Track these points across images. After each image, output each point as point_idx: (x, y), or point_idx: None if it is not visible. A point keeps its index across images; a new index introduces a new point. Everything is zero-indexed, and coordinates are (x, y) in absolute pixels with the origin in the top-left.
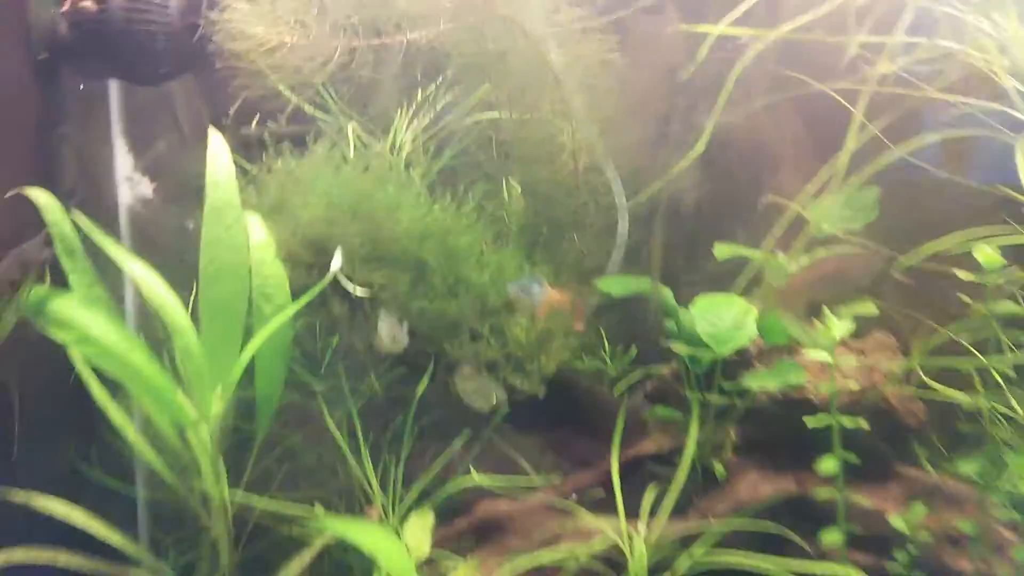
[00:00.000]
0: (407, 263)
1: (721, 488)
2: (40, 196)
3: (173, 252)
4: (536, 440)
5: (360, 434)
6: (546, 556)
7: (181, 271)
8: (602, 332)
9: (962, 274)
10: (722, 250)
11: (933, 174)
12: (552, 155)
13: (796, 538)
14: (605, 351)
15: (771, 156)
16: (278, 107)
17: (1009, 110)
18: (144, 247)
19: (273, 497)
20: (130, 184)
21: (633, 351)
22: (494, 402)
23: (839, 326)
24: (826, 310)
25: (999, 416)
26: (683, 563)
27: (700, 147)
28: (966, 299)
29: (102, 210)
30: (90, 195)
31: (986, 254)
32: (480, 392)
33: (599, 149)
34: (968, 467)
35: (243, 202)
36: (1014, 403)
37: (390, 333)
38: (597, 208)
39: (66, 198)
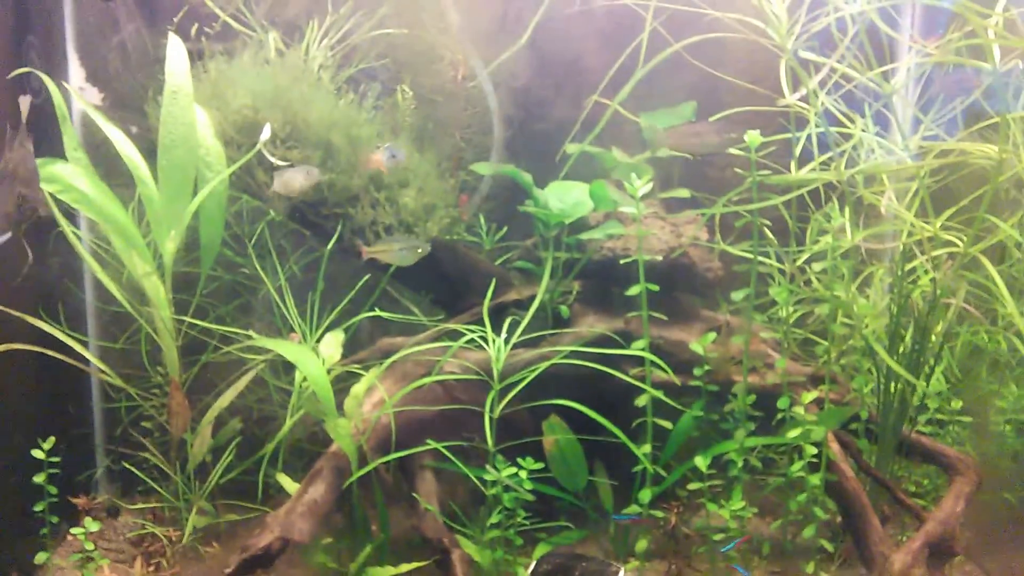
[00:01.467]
0: (318, 145)
1: (566, 326)
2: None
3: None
4: (426, 293)
5: (283, 279)
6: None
7: (125, 169)
8: (480, 216)
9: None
10: (572, 148)
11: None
12: (435, 66)
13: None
14: (482, 228)
15: (582, 51)
16: (211, 20)
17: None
18: (93, 149)
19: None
20: (81, 92)
21: (505, 229)
22: (420, 253)
23: (637, 184)
24: (632, 176)
25: (764, 261)
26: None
27: (523, 39)
28: (740, 171)
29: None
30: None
31: (751, 136)
32: (407, 251)
33: (475, 60)
34: (737, 296)
35: None
36: (771, 254)
37: (283, 180)
38: (475, 110)
39: (35, 95)
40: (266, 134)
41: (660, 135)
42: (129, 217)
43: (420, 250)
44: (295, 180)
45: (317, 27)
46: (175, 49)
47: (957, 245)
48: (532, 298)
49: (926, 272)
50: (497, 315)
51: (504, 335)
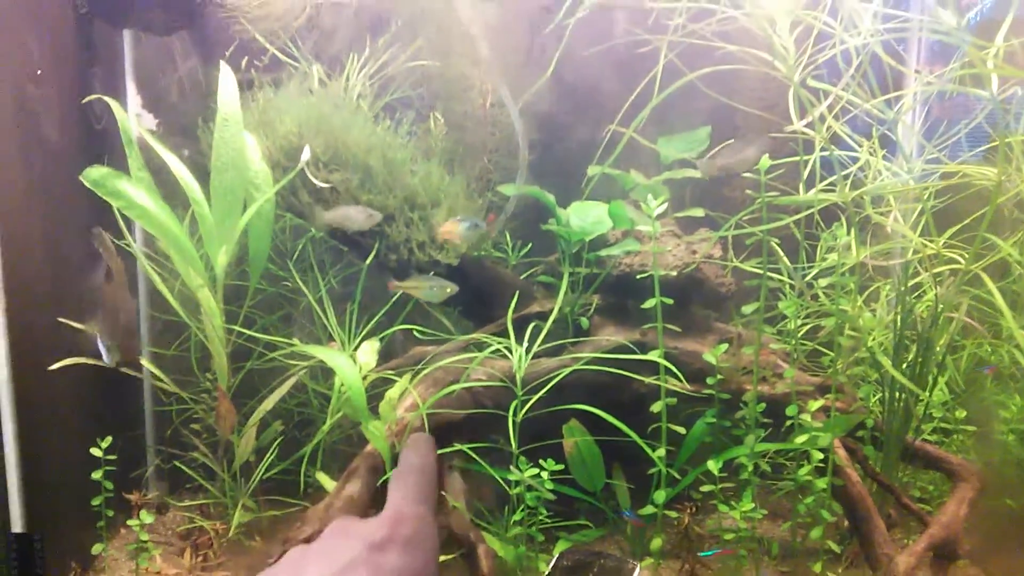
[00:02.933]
0: (357, 167)
1: (586, 337)
2: (111, 103)
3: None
4: (454, 307)
5: (324, 291)
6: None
7: (179, 189)
8: (507, 233)
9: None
10: (594, 169)
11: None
12: (466, 94)
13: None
14: (508, 245)
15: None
16: (260, 53)
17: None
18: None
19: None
20: (138, 118)
21: (530, 245)
22: (448, 292)
23: (653, 204)
24: (649, 197)
25: (773, 276)
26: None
27: (548, 72)
28: (751, 192)
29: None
30: (111, 122)
31: (762, 159)
32: (436, 289)
33: (503, 89)
34: (747, 309)
35: None
36: (783, 270)
37: (342, 214)
38: (502, 135)
39: (97, 120)
40: (306, 155)
41: (708, 164)
42: (185, 233)
43: (449, 290)
44: (356, 217)
45: (356, 59)
46: (226, 79)
47: (959, 262)
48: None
49: (929, 288)
50: (522, 326)
51: (525, 344)
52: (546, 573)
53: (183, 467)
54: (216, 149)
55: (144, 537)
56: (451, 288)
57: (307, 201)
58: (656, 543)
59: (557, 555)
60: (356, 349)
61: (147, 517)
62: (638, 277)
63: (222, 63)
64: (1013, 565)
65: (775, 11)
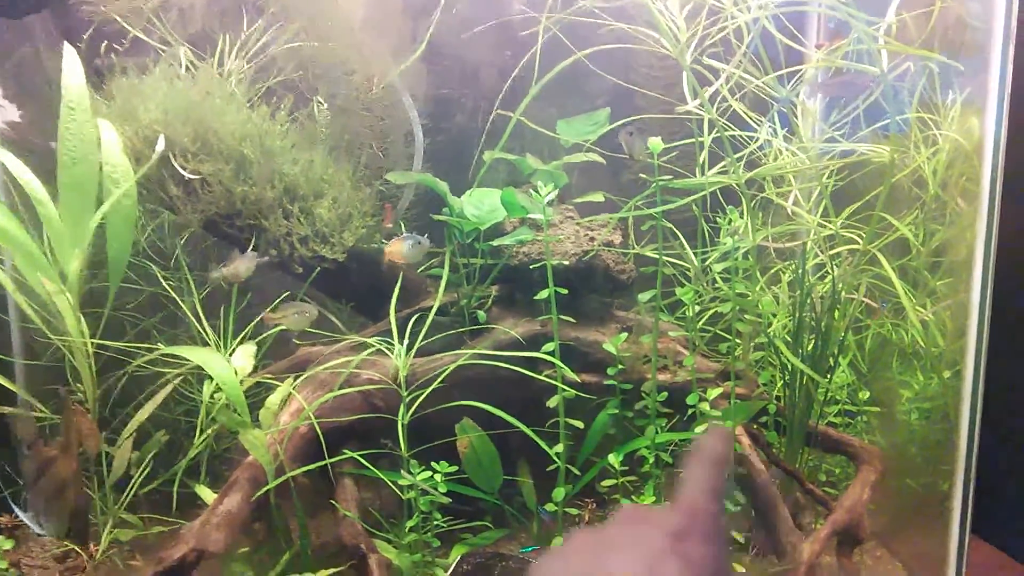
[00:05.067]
0: (231, 157)
1: (485, 330)
2: None
3: (38, 170)
4: (346, 303)
5: (196, 292)
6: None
7: (47, 185)
8: (402, 224)
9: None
10: (490, 154)
11: None
12: (349, 79)
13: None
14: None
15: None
16: (121, 37)
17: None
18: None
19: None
20: (1, 110)
21: (426, 236)
22: (312, 316)
23: (544, 191)
24: (538, 184)
25: (669, 260)
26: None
27: (419, 51)
28: (644, 176)
29: None
30: None
31: (653, 143)
32: (299, 313)
33: (393, 75)
34: (644, 297)
35: (96, 111)
36: (683, 255)
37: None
38: (391, 121)
39: None
40: (161, 145)
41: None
42: (29, 236)
43: (308, 314)
44: (243, 265)
45: (229, 41)
46: (71, 63)
47: (858, 242)
48: (450, 304)
49: (827, 270)
50: (417, 322)
51: (407, 341)
52: None
53: None
54: (62, 141)
55: (3, 565)
56: (311, 312)
57: (176, 194)
58: (558, 541)
59: (456, 559)
60: (231, 353)
61: (6, 543)
62: (531, 267)
63: (66, 45)
64: (919, 544)
65: None
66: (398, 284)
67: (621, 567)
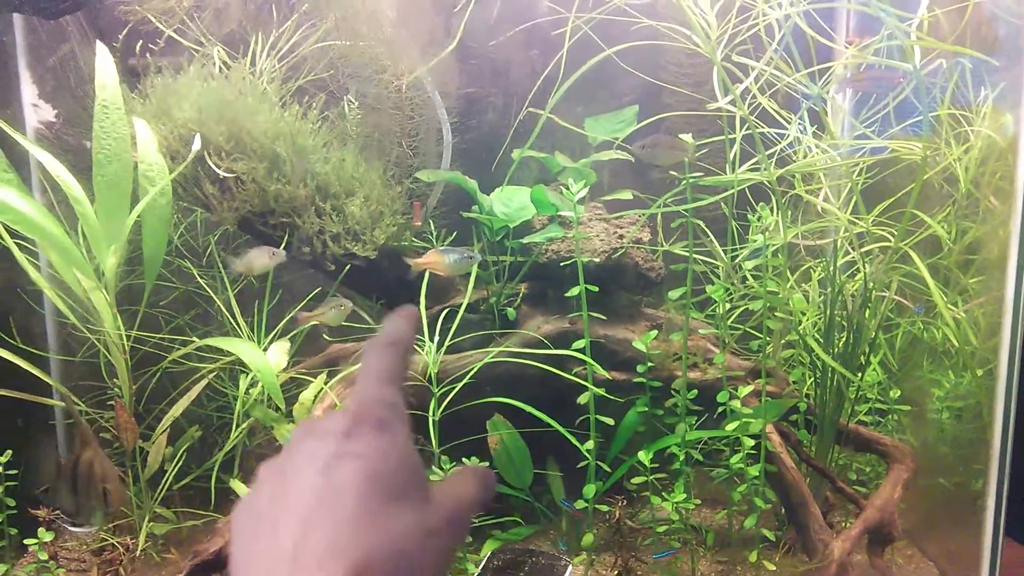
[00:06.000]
0: (264, 156)
1: (513, 328)
2: None
3: (73, 168)
4: (376, 300)
5: (230, 291)
6: None
7: (82, 183)
8: (431, 222)
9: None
10: (519, 152)
11: None
12: (379, 77)
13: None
14: (432, 234)
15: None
16: (157, 36)
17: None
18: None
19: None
20: (35, 109)
21: (455, 235)
22: (343, 310)
23: (576, 188)
24: (568, 182)
25: (699, 258)
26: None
27: (453, 44)
28: (675, 174)
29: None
30: (3, 116)
31: (687, 139)
32: (335, 309)
33: (422, 72)
34: (673, 294)
35: (131, 110)
36: (714, 253)
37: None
38: (421, 119)
39: None
40: (196, 144)
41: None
42: (66, 234)
43: (344, 307)
44: (258, 260)
45: (262, 40)
46: (104, 62)
47: (889, 240)
48: (479, 301)
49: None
50: (447, 319)
51: (437, 338)
52: (475, 574)
53: None
54: (97, 140)
55: (43, 556)
56: (344, 306)
57: (211, 192)
58: (588, 539)
59: (487, 555)
60: (265, 350)
61: (46, 535)
62: (561, 264)
63: (99, 44)
64: (950, 543)
65: None
66: (424, 281)
67: (297, 490)
